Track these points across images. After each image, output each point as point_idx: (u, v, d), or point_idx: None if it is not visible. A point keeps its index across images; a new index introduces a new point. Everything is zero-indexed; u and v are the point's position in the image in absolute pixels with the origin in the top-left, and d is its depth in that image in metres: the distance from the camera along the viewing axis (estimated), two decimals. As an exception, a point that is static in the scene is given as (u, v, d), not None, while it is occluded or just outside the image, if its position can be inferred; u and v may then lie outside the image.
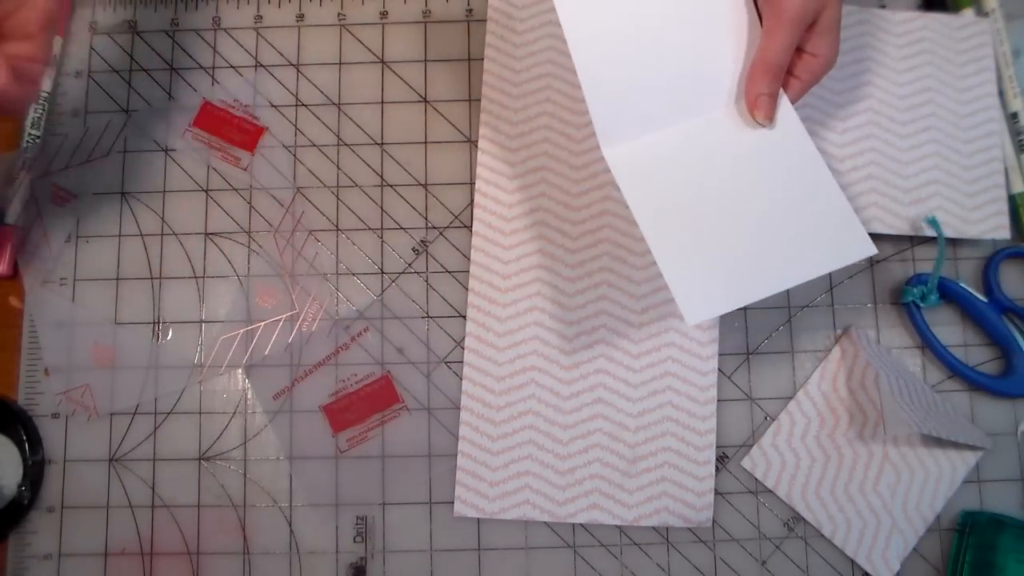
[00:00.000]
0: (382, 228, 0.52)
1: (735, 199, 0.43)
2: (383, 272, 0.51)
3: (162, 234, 0.52)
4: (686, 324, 0.49)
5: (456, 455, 0.48)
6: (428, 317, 0.51)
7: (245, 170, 0.52)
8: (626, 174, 0.43)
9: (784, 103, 0.44)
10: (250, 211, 0.52)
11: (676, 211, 0.43)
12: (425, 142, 0.53)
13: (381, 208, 0.52)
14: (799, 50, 0.43)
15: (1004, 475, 0.49)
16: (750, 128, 0.44)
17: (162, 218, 0.52)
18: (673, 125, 0.44)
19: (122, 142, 0.52)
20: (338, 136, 0.53)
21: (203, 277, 0.51)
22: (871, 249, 0.41)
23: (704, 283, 0.42)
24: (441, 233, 0.52)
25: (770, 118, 0.43)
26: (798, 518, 0.48)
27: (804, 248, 0.42)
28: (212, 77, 0.53)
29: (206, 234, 0.52)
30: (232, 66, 0.54)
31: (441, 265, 0.51)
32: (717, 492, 0.48)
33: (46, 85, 0.52)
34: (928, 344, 0.50)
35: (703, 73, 0.44)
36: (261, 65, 0.54)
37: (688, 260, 0.42)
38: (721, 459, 0.49)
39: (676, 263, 0.42)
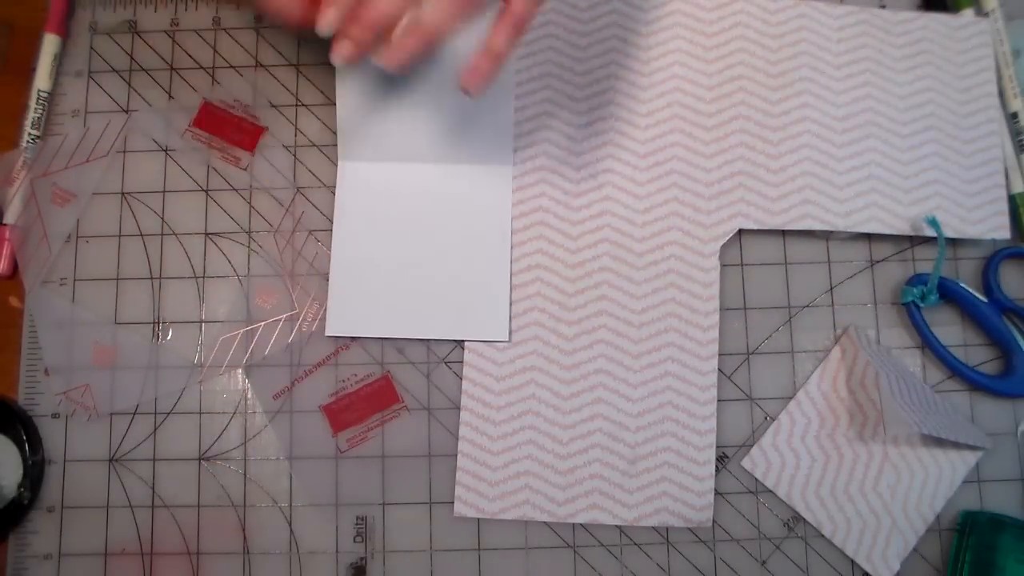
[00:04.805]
0: (382, 228, 0.52)
1: (427, 243, 0.49)
2: (383, 272, 0.51)
3: (162, 234, 0.51)
4: (683, 324, 0.49)
5: (456, 455, 0.48)
6: (428, 317, 0.51)
7: (245, 170, 0.52)
8: (347, 186, 0.50)
9: (504, 199, 0.50)
10: (250, 211, 0.52)
11: (371, 232, 0.50)
12: (425, 142, 0.53)
13: (381, 208, 0.52)
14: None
15: (1004, 475, 0.49)
16: (465, 191, 0.50)
17: (162, 218, 0.52)
18: (404, 163, 0.50)
19: (122, 142, 0.52)
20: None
21: (203, 277, 0.51)
22: (503, 334, 0.48)
23: (357, 305, 0.49)
24: (441, 233, 0.52)
25: (479, 91, 0.42)
26: (798, 518, 0.48)
27: (459, 311, 0.49)
28: (212, 77, 0.53)
29: (206, 234, 0.52)
30: (232, 66, 0.54)
31: (441, 265, 0.51)
32: (717, 492, 0.48)
33: (46, 85, 0.52)
34: (928, 344, 0.50)
35: (445, 132, 0.49)
36: (261, 65, 0.54)
37: (355, 279, 0.49)
38: (721, 459, 0.49)
39: (344, 278, 0.49)
